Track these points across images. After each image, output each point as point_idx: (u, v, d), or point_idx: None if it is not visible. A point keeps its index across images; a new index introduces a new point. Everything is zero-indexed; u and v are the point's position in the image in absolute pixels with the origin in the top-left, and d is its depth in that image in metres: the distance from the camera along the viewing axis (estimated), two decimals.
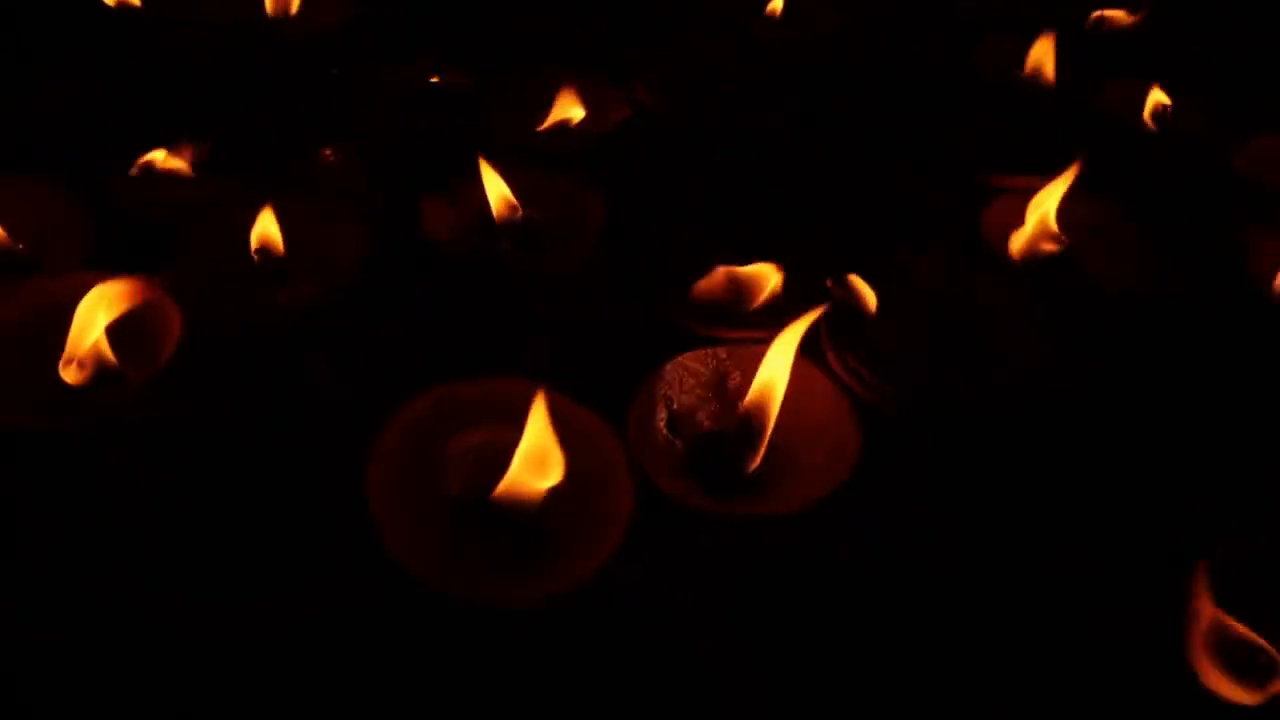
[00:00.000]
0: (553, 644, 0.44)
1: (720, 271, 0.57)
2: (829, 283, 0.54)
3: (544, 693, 0.43)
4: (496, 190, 0.60)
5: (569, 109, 0.70)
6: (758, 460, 0.49)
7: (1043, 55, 0.75)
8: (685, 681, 0.44)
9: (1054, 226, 0.61)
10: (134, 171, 0.61)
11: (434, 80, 0.69)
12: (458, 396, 0.48)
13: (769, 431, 0.49)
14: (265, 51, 0.76)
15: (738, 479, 0.49)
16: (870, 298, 0.54)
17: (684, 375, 0.53)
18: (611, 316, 0.56)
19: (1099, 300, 0.61)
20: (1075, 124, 0.73)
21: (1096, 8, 0.85)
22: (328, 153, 0.65)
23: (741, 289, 0.57)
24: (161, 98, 0.70)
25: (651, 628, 0.45)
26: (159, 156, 0.62)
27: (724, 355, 0.53)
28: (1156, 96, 0.75)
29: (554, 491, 0.45)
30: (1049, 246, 0.61)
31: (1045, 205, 0.62)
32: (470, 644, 0.44)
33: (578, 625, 0.45)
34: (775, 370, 0.48)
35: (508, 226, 0.60)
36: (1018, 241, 0.62)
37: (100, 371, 0.49)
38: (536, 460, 0.44)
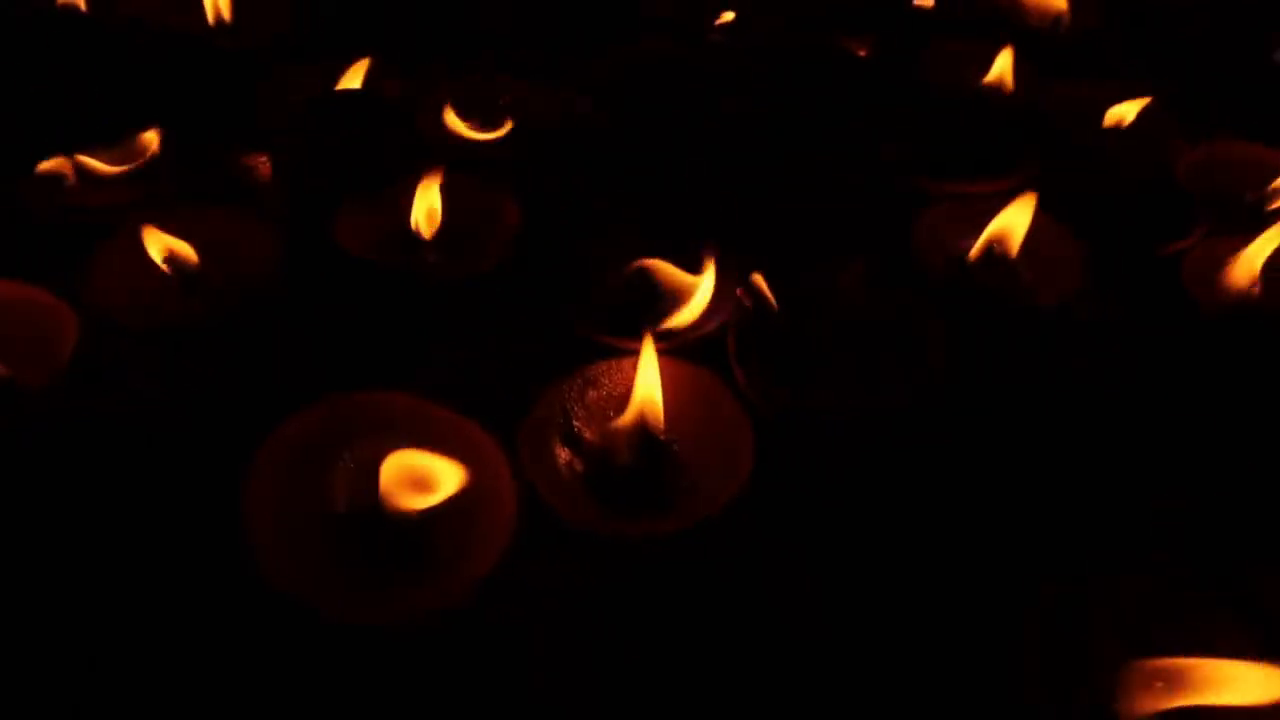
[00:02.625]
0: (423, 664, 0.43)
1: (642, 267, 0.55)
2: (739, 291, 0.53)
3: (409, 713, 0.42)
4: (425, 204, 0.59)
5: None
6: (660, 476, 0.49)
7: (1003, 65, 0.74)
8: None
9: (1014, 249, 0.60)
10: (44, 170, 0.60)
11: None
12: (347, 409, 0.47)
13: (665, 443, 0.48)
14: (201, 58, 0.76)
15: (637, 496, 0.48)
16: (764, 286, 0.53)
17: (587, 388, 0.51)
18: (520, 326, 0.55)
19: (1031, 312, 0.60)
20: (1019, 130, 0.71)
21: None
22: (246, 159, 0.64)
23: (663, 290, 0.56)
24: (92, 100, 0.70)
25: (524, 649, 0.44)
26: (73, 161, 0.61)
27: (630, 368, 0.52)
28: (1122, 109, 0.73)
29: (435, 507, 0.45)
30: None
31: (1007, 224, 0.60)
32: (343, 661, 0.43)
33: (452, 646, 0.44)
34: (647, 383, 0.47)
35: (424, 236, 0.60)
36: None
37: None
38: (414, 476, 0.43)
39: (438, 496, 0.43)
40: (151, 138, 0.62)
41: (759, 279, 0.53)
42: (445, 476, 0.44)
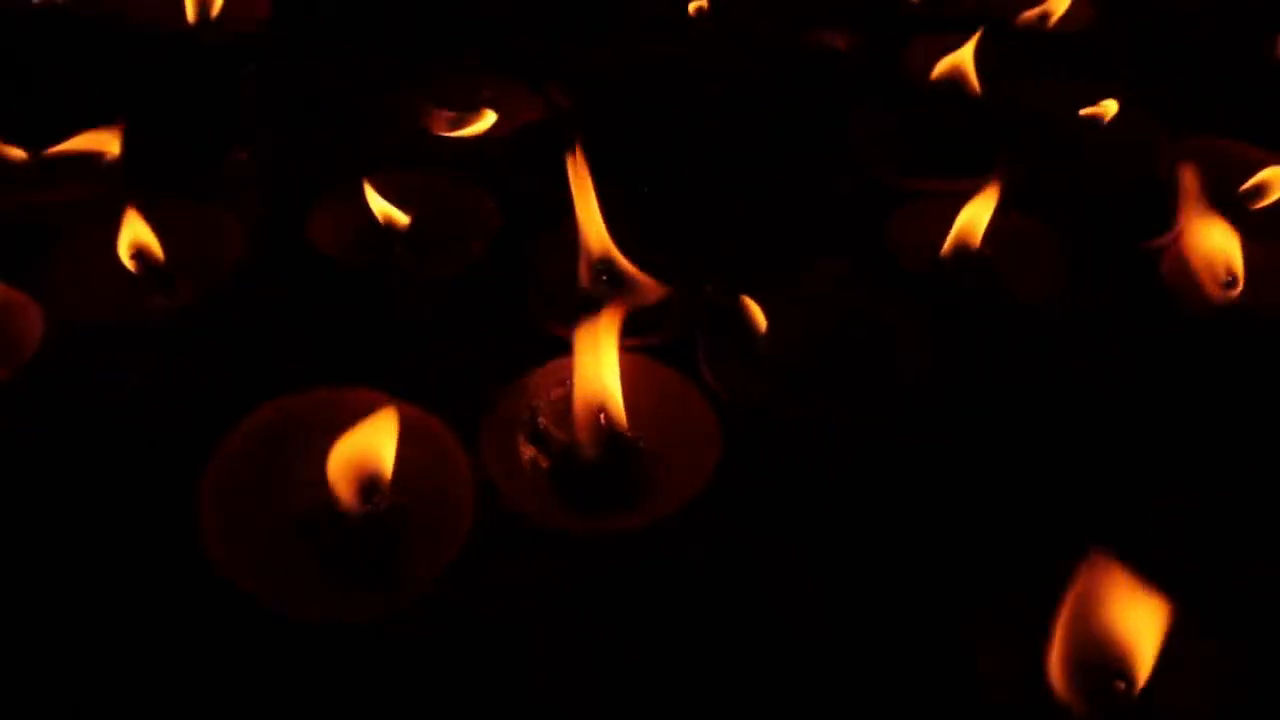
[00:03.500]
0: (377, 663, 0.43)
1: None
2: (707, 289, 0.53)
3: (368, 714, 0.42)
4: (380, 208, 0.59)
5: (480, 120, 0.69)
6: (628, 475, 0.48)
7: (965, 57, 0.73)
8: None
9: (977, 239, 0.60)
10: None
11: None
12: (305, 406, 0.47)
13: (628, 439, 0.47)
14: (182, 54, 0.75)
15: (602, 493, 0.48)
16: (752, 307, 0.52)
17: (552, 385, 0.51)
18: (488, 322, 0.55)
19: (1011, 310, 0.59)
20: (999, 127, 0.70)
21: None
22: (223, 154, 0.64)
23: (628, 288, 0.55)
24: (67, 98, 0.69)
25: (483, 646, 0.43)
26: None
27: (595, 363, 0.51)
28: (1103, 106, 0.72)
29: (395, 504, 0.45)
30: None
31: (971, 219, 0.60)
32: (297, 661, 0.43)
33: (410, 644, 0.43)
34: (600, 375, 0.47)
35: (397, 233, 0.59)
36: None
37: None
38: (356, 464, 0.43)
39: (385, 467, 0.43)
40: (113, 132, 0.62)
41: (727, 282, 0.52)
42: (383, 443, 0.43)
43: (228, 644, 0.43)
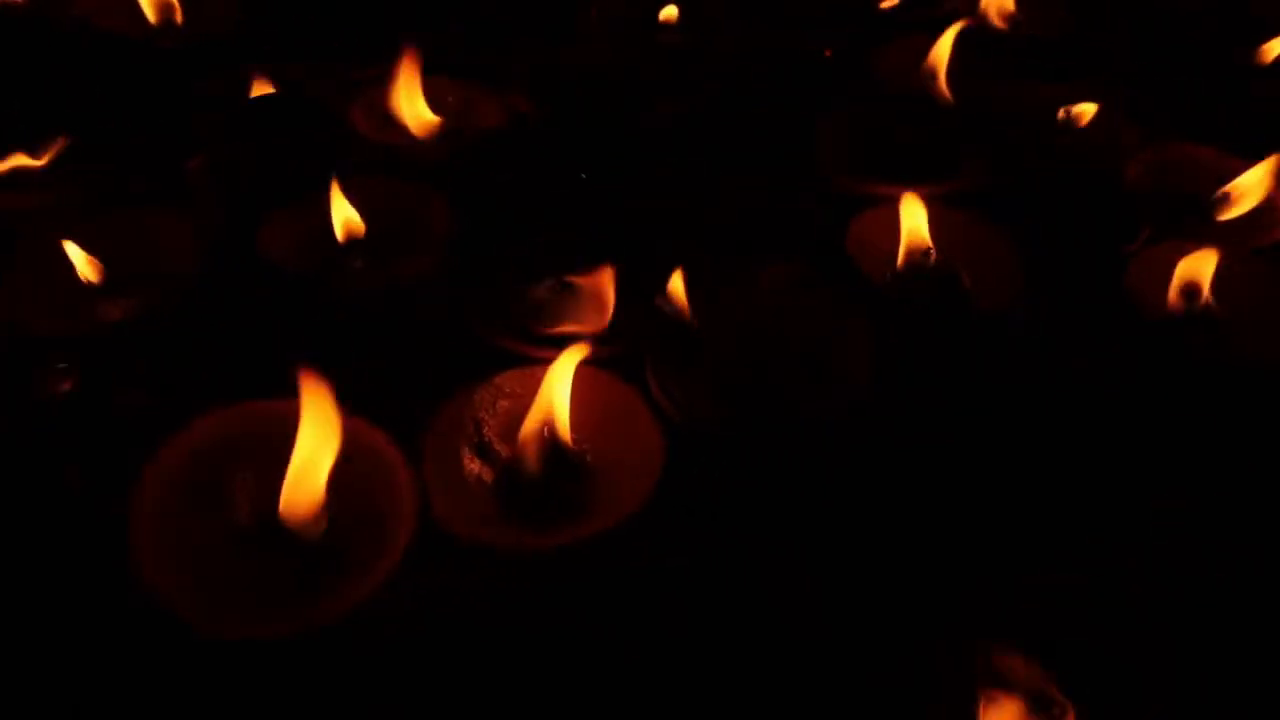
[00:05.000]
0: (316, 679, 0.42)
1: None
2: (656, 299, 0.52)
3: None
4: (342, 214, 0.58)
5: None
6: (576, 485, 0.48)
7: (939, 58, 0.72)
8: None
9: (926, 240, 0.59)
10: None
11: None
12: (242, 418, 0.46)
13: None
14: (144, 58, 0.75)
15: (546, 507, 0.47)
16: (694, 315, 0.51)
17: (498, 398, 0.50)
18: (436, 333, 0.54)
19: (970, 317, 0.58)
20: (967, 131, 0.69)
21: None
22: (180, 161, 0.63)
23: (579, 299, 0.55)
24: (26, 101, 0.69)
25: (420, 661, 0.43)
26: None
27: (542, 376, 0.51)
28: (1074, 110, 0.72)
29: (335, 518, 0.44)
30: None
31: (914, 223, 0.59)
32: (232, 678, 0.42)
33: (347, 660, 0.43)
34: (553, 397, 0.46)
35: (352, 241, 0.59)
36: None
37: None
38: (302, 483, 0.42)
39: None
40: (61, 141, 0.61)
41: (677, 293, 0.51)
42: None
43: (160, 661, 0.42)
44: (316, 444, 0.43)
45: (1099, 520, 0.51)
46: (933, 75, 0.72)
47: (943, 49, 0.72)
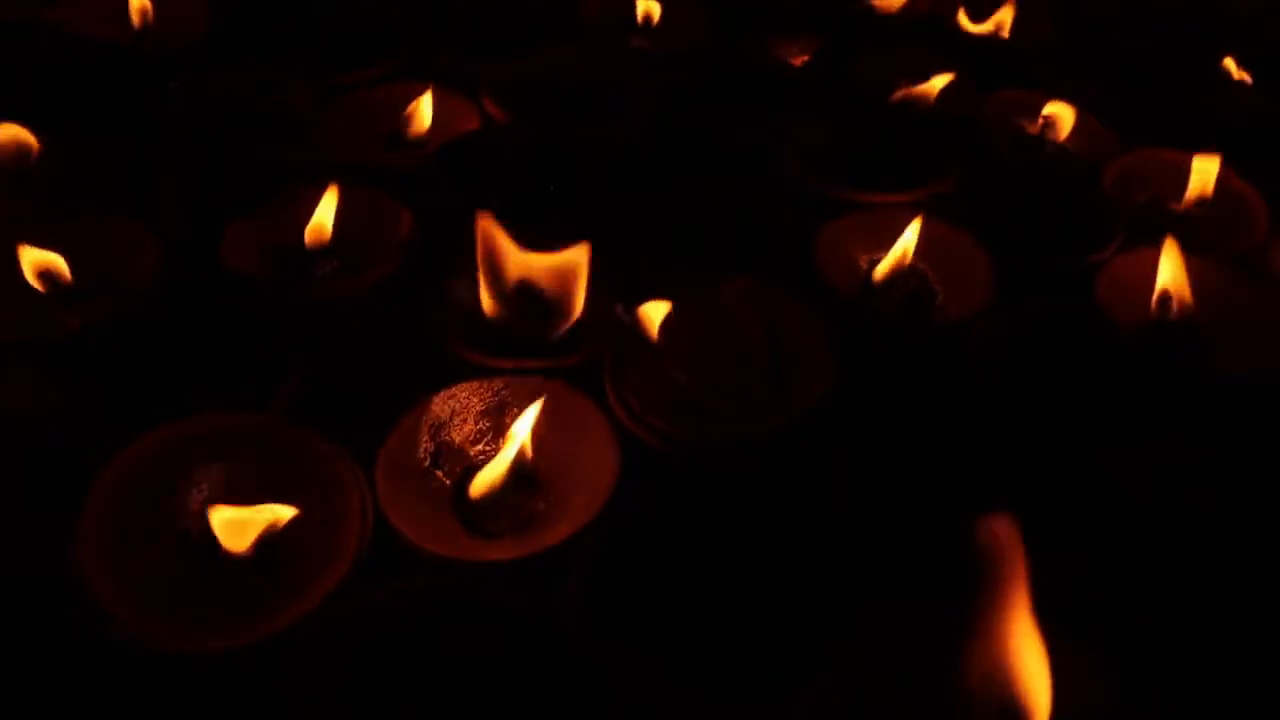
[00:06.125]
0: (262, 693, 0.42)
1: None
2: (617, 308, 0.51)
3: None
4: (320, 219, 0.58)
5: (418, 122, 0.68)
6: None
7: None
8: None
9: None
10: None
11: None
12: (192, 431, 0.46)
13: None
14: (118, 65, 0.74)
15: (500, 519, 0.47)
16: (654, 326, 0.51)
17: (456, 407, 0.50)
18: (394, 343, 0.53)
19: (939, 328, 0.58)
20: (943, 138, 0.69)
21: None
22: (149, 169, 0.63)
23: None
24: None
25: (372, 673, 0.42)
26: None
27: (501, 386, 0.50)
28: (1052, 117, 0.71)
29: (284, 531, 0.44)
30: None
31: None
32: (175, 690, 0.41)
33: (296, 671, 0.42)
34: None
35: (317, 250, 0.58)
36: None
37: None
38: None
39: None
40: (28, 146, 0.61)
41: (634, 306, 0.51)
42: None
43: (105, 675, 0.42)
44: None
45: (1064, 535, 0.50)
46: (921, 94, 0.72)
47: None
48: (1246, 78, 0.79)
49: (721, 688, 0.42)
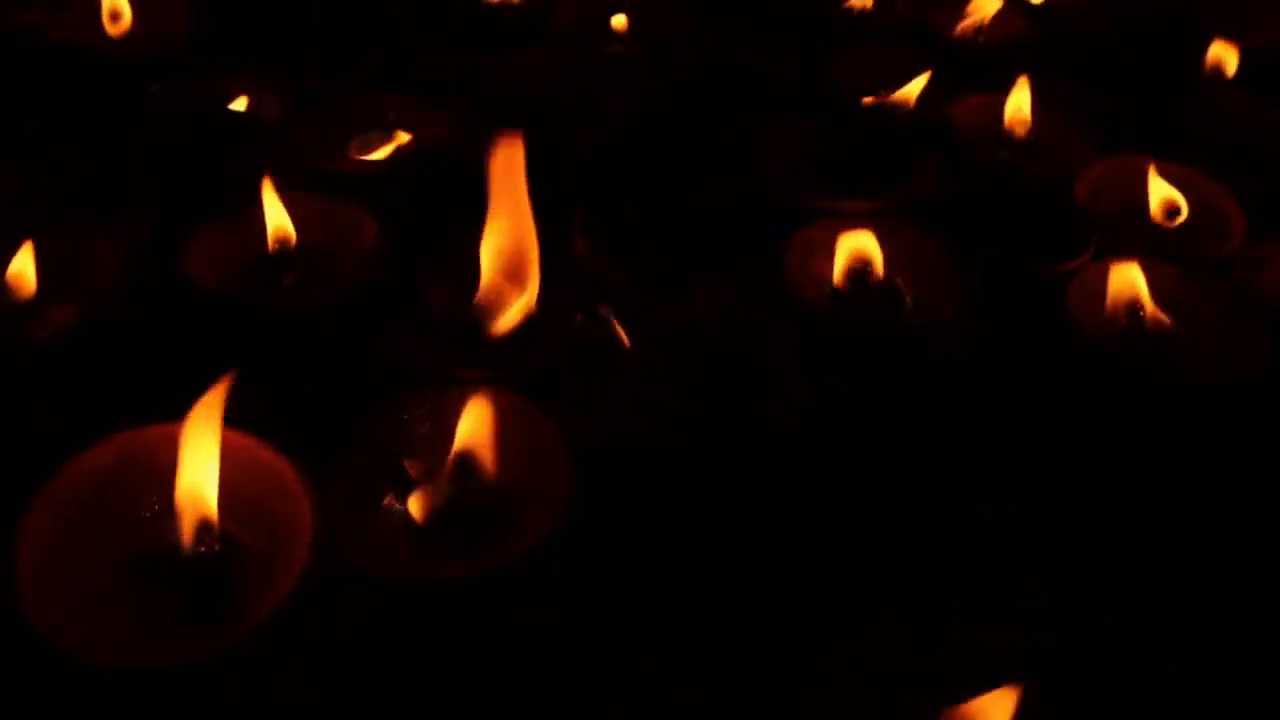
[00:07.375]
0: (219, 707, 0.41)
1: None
2: (579, 317, 0.51)
3: None
4: (275, 221, 0.58)
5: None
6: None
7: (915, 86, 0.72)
8: None
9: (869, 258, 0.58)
10: None
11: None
12: (142, 444, 0.45)
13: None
14: (93, 70, 0.74)
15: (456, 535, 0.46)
16: (621, 334, 0.50)
17: (413, 421, 0.49)
18: (357, 354, 0.53)
19: (907, 337, 0.57)
20: (918, 143, 0.68)
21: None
22: (118, 176, 0.63)
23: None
24: None
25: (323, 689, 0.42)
26: None
27: (448, 399, 0.49)
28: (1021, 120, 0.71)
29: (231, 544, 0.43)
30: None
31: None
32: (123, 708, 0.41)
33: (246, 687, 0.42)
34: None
35: (282, 258, 0.58)
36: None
37: None
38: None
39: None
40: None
41: (605, 311, 0.50)
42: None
43: (50, 693, 0.41)
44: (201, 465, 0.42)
45: (1037, 542, 0.50)
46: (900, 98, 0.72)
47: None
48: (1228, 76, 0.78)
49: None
